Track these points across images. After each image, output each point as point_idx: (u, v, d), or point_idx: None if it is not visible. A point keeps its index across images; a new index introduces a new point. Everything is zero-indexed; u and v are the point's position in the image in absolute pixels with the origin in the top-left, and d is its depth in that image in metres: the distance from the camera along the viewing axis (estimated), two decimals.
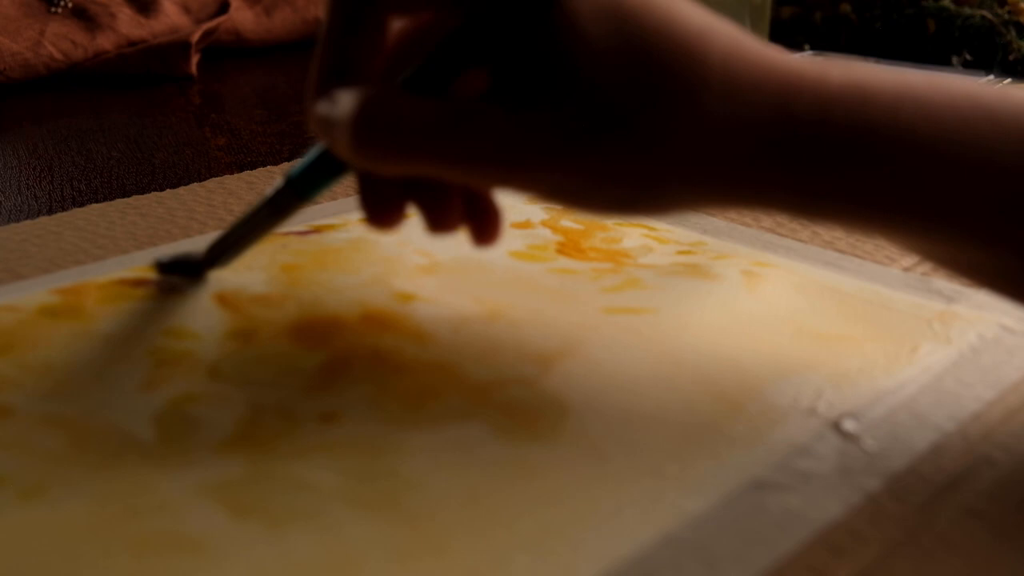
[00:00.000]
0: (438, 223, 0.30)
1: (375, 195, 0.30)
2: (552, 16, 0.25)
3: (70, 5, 0.81)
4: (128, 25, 0.82)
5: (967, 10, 0.68)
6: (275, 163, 0.53)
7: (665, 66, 0.24)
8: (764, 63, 0.25)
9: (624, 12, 0.25)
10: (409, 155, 0.26)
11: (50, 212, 0.46)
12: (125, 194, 0.49)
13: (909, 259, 0.39)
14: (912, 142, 0.25)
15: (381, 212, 0.30)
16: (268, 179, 0.50)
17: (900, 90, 0.25)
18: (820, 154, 0.25)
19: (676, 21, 0.25)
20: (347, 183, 0.49)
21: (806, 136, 0.25)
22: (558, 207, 0.27)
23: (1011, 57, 0.66)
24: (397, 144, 0.26)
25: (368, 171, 0.29)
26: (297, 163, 0.30)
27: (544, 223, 0.42)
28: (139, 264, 0.38)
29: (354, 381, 0.30)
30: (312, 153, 0.30)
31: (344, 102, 0.26)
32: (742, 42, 0.25)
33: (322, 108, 0.27)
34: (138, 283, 0.36)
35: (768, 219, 0.43)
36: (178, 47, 0.80)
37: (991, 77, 0.63)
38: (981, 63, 0.66)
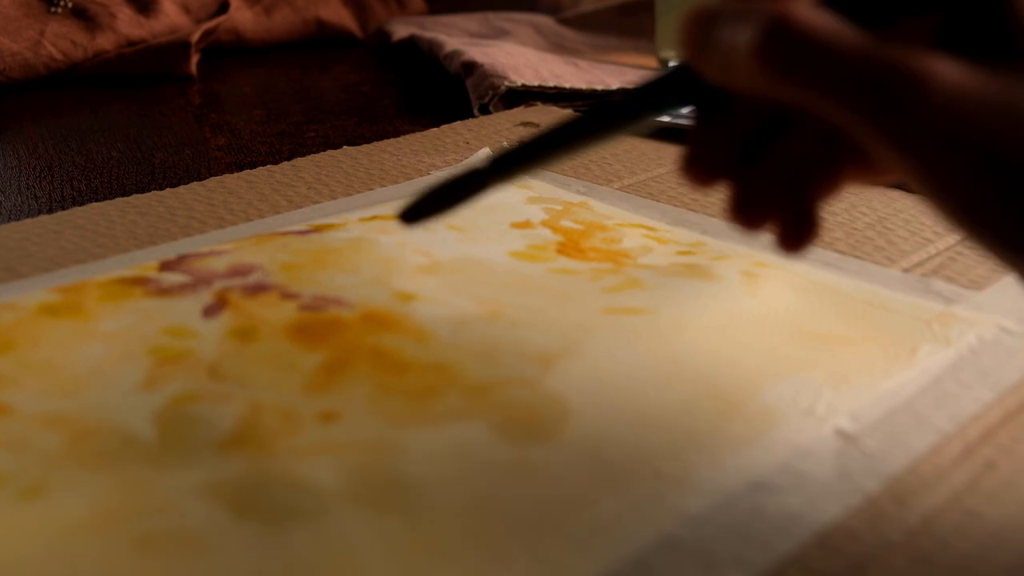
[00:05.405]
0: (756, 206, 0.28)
1: (752, 194, 0.28)
2: None
3: (70, 5, 0.81)
4: (128, 25, 0.82)
5: None
6: (275, 163, 0.53)
7: None
8: None
9: None
10: (816, 76, 0.22)
11: (50, 211, 0.46)
12: (125, 194, 0.49)
13: (909, 260, 0.39)
14: None
15: (753, 211, 0.28)
16: (268, 178, 0.50)
17: None
18: None
19: None
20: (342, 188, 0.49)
21: None
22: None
23: None
24: (808, 63, 0.22)
25: (741, 94, 0.25)
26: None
27: (544, 223, 0.42)
28: (139, 263, 0.38)
29: (354, 381, 0.30)
30: (668, 71, 0.26)
31: (755, 10, 0.23)
32: None
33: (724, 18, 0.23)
34: (138, 281, 0.36)
35: None
36: (178, 47, 0.80)
37: None
38: None
